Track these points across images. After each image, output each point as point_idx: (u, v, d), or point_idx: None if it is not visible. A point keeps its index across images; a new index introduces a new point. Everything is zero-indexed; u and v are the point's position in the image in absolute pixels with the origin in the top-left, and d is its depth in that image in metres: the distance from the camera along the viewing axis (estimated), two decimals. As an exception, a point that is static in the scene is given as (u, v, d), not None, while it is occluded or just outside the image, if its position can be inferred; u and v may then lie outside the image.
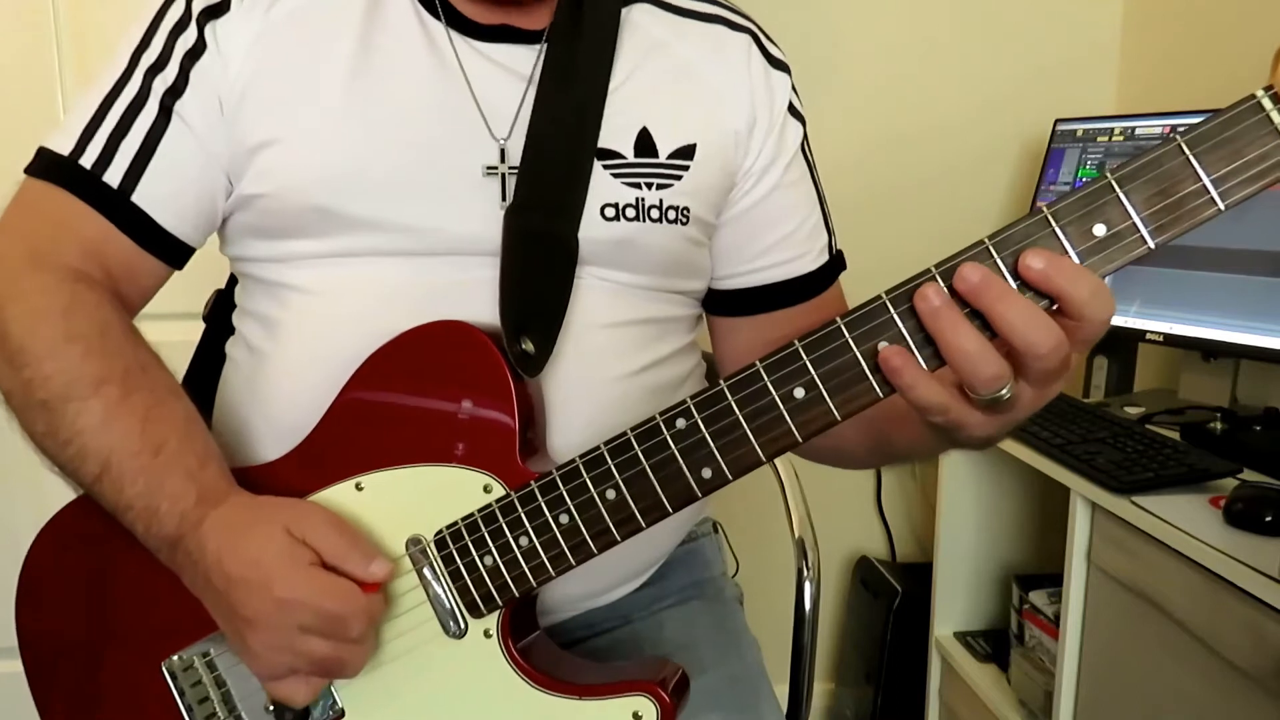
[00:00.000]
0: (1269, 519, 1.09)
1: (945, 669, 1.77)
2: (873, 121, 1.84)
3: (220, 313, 0.92)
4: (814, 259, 0.90)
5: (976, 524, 1.73)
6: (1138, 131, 1.61)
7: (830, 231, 0.93)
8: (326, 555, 0.69)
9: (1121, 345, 1.68)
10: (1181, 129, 0.54)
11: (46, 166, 0.79)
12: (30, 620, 0.83)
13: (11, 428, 0.75)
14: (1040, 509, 1.72)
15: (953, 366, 0.58)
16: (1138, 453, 1.29)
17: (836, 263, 0.93)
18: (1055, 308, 0.57)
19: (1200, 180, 0.54)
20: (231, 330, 0.88)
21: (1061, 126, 1.74)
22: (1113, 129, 1.65)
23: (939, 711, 1.79)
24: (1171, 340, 1.48)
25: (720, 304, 0.92)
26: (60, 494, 0.82)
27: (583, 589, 0.86)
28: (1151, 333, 1.50)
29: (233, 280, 0.91)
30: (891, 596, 1.81)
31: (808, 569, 1.15)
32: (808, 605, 1.15)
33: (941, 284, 0.58)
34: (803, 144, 0.90)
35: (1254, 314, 1.36)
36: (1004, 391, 0.58)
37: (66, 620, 0.81)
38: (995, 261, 0.57)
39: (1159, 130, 1.57)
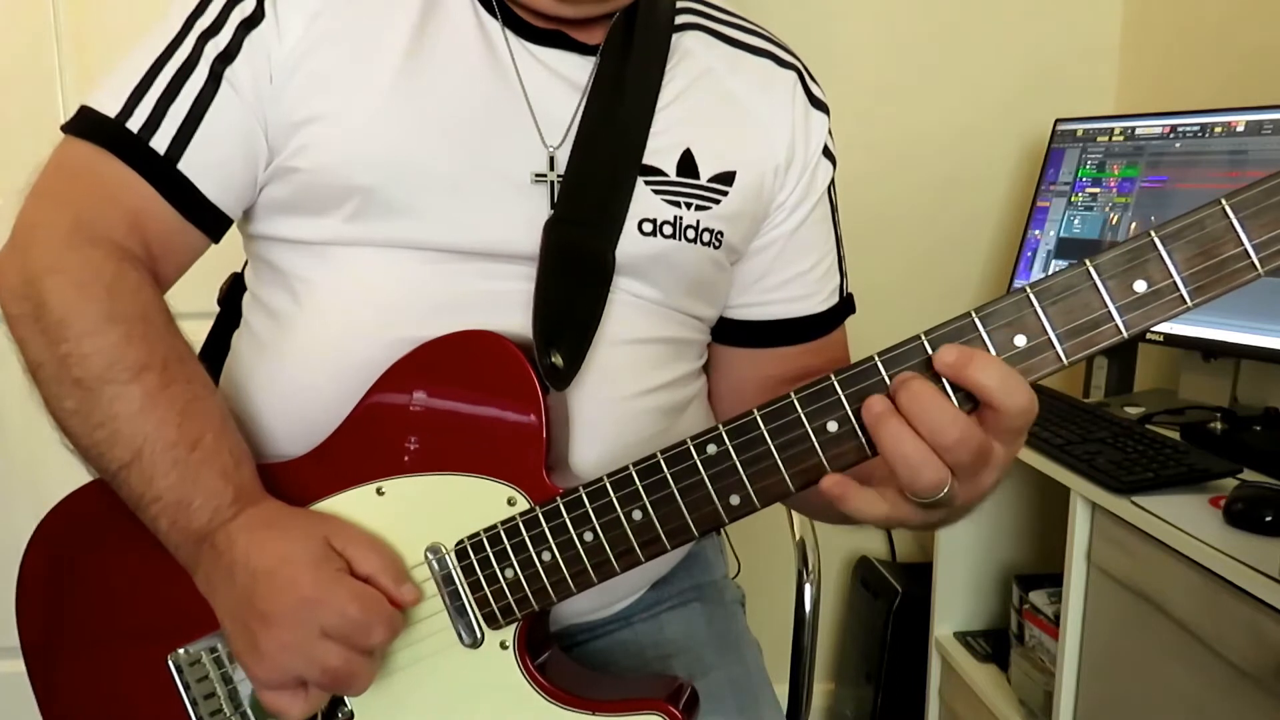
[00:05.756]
0: (1269, 519, 1.10)
1: (945, 669, 1.77)
2: (872, 122, 1.84)
3: (236, 298, 0.90)
4: (822, 300, 0.91)
5: (976, 524, 1.72)
6: (1138, 131, 1.60)
7: (843, 274, 0.93)
8: (358, 567, 0.69)
9: (1121, 345, 1.67)
10: (1227, 193, 0.55)
11: (92, 127, 0.77)
12: (30, 610, 0.82)
13: (34, 400, 0.73)
14: (1040, 509, 1.72)
15: (895, 470, 0.59)
16: (1138, 453, 1.29)
17: (845, 306, 0.93)
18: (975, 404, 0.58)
19: (1242, 244, 0.54)
20: (239, 320, 0.87)
21: (1061, 126, 1.74)
22: (1113, 129, 1.65)
23: (939, 711, 1.79)
24: (1171, 340, 1.48)
25: (722, 333, 0.91)
26: (59, 491, 0.81)
27: (592, 604, 0.86)
28: (1151, 332, 1.50)
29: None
30: (891, 596, 1.82)
31: (808, 572, 1.15)
32: (808, 607, 1.15)
33: (888, 379, 0.59)
34: (830, 186, 0.91)
35: (1254, 314, 1.36)
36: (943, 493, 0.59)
37: (68, 610, 0.81)
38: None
39: (1159, 130, 1.57)
